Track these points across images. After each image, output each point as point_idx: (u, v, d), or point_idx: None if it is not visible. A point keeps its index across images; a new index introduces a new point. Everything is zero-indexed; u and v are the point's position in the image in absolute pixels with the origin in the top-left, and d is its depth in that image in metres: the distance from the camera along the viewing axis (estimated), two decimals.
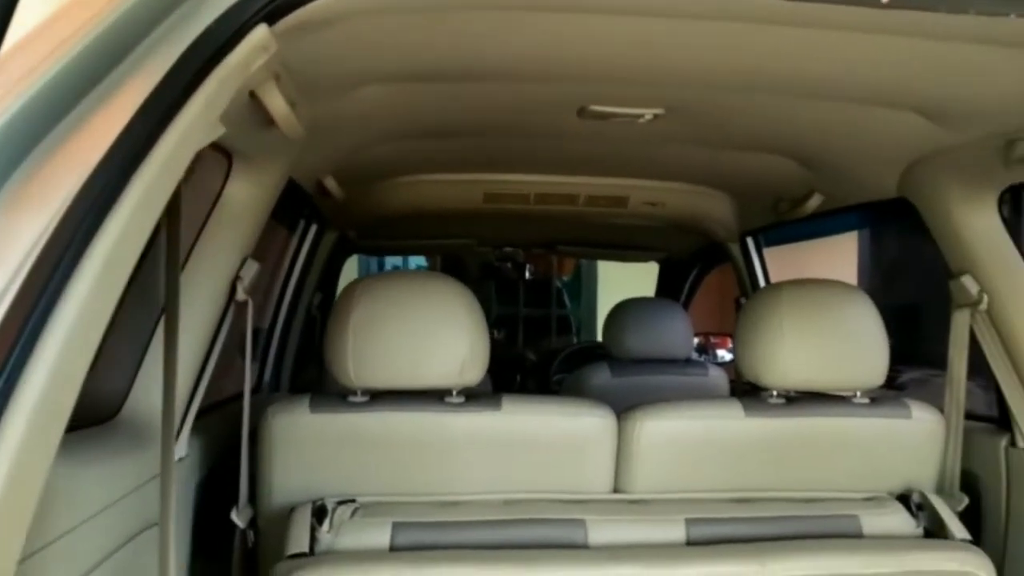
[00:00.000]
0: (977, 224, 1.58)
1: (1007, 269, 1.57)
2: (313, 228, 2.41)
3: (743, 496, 1.53)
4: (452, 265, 5.57)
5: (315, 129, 1.42)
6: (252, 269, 1.46)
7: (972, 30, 0.96)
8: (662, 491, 1.51)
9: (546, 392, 3.38)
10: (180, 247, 1.21)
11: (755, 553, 1.35)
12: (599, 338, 3.10)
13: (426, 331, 1.39)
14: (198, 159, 1.45)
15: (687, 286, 3.38)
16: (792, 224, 2.35)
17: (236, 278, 1.43)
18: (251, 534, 1.48)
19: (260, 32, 0.79)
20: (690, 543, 1.41)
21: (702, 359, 3.40)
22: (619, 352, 2.67)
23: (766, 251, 2.75)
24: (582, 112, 1.52)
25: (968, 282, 1.61)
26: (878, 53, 1.13)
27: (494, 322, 5.71)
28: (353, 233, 2.69)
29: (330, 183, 1.88)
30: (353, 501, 1.41)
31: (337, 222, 2.42)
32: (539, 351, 3.97)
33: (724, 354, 3.55)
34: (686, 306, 3.38)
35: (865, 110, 1.43)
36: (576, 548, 1.38)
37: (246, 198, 1.41)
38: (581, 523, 1.40)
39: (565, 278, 6.55)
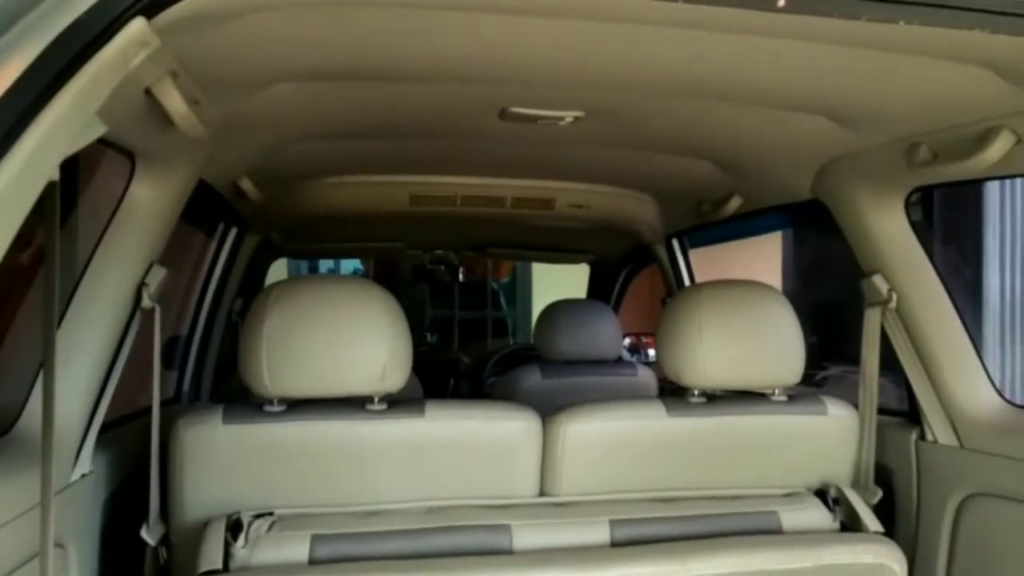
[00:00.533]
0: (886, 225, 1.64)
1: (914, 269, 1.63)
2: (233, 231, 2.33)
3: (667, 495, 1.54)
4: (385, 269, 5.51)
5: (225, 129, 1.37)
6: (159, 275, 1.40)
7: (867, 36, 0.98)
8: (588, 493, 1.51)
9: (480, 395, 3.36)
10: (80, 252, 1.15)
11: (677, 553, 1.36)
12: None
13: (344, 337, 1.36)
14: (97, 160, 1.39)
15: (617, 287, 3.41)
16: (717, 225, 2.39)
17: (142, 284, 1.37)
18: (163, 551, 1.42)
19: (137, 25, 0.75)
20: (614, 544, 1.42)
21: (634, 359, 3.44)
22: (550, 354, 2.67)
23: (694, 252, 2.80)
24: (503, 114, 1.51)
25: (878, 281, 1.66)
26: (784, 58, 1.15)
27: (428, 326, 5.67)
28: (277, 236, 2.62)
29: (246, 185, 1.82)
30: (271, 514, 1.37)
31: (258, 225, 2.35)
32: (473, 354, 3.95)
33: (655, 353, 3.60)
34: (617, 307, 3.41)
35: (777, 114, 1.46)
36: (501, 554, 1.36)
37: (151, 201, 1.35)
38: (506, 528, 1.39)
39: (504, 280, 6.55)
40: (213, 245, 2.36)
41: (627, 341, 3.41)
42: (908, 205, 1.62)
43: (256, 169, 1.79)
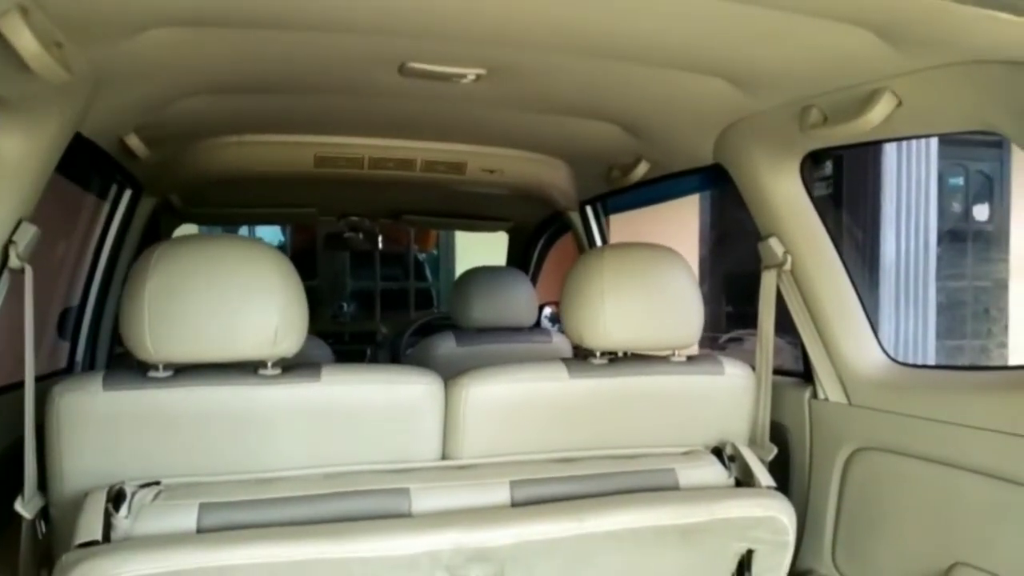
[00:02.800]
0: (782, 188, 1.67)
1: (808, 232, 1.68)
2: (127, 193, 2.22)
3: (569, 456, 1.55)
4: (304, 237, 5.35)
5: (100, 78, 1.28)
6: (28, 233, 1.31)
7: None
8: (489, 455, 1.51)
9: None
10: None
11: (573, 510, 1.37)
12: None
13: (232, 298, 1.30)
14: None
15: (535, 255, 3.41)
16: (630, 191, 2.41)
17: (8, 243, 1.28)
18: (41, 525, 1.35)
19: None
20: (514, 505, 1.42)
21: (555, 328, 3.45)
22: (465, 322, 2.66)
23: (616, 218, 2.81)
24: (402, 69, 1.46)
25: (775, 244, 1.70)
26: (680, 15, 1.15)
27: (349, 296, 5.57)
28: (177, 199, 2.50)
29: (134, 142, 1.72)
30: (158, 483, 1.32)
31: (154, 187, 2.24)
32: (392, 325, 3.90)
33: None
34: (535, 275, 3.41)
35: (677, 75, 1.47)
36: (399, 517, 1.35)
37: (17, 153, 1.25)
38: (405, 492, 1.37)
39: (431, 251, 6.47)
40: (105, 208, 2.24)
41: (548, 310, 3.42)
42: (803, 169, 1.66)
43: (144, 125, 1.69)
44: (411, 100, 1.73)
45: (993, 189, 6.38)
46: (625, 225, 3.76)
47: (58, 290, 2.40)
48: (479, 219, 3.36)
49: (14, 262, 1.28)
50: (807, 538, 1.73)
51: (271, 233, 6.29)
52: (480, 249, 4.78)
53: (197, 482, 1.33)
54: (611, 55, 1.38)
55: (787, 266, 1.69)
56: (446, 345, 2.61)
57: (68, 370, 2.18)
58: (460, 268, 6.21)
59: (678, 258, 1.63)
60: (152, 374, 1.32)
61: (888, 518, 1.57)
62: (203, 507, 1.27)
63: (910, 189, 4.92)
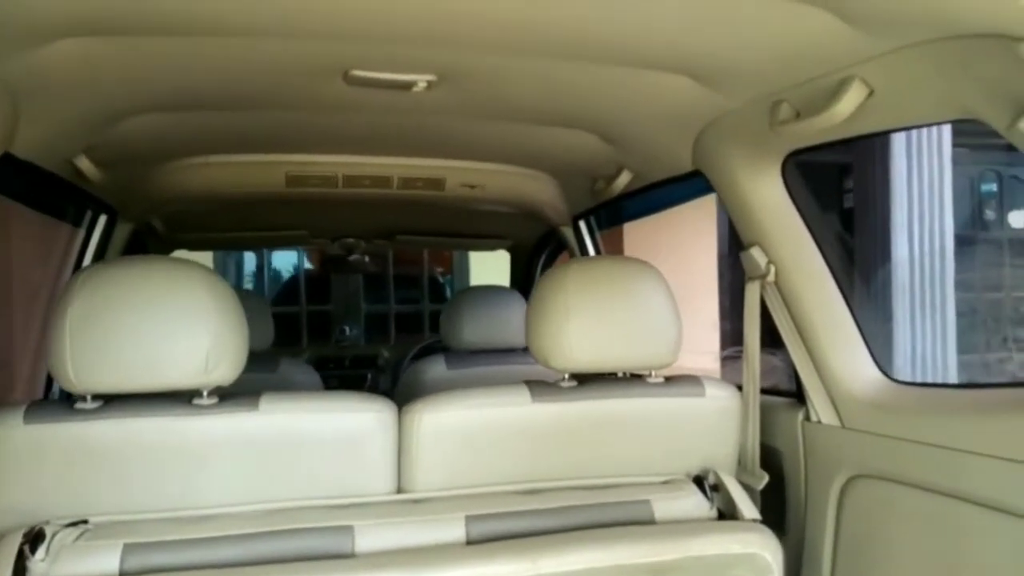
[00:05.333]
0: (762, 194, 1.55)
1: (792, 239, 1.55)
2: (102, 219, 2.18)
3: (534, 487, 1.44)
4: (319, 262, 5.31)
5: (17, 92, 1.23)
6: None
7: None
8: (447, 488, 1.41)
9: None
10: None
11: (528, 549, 1.26)
12: None
13: (158, 323, 1.23)
14: None
15: (537, 274, 3.31)
16: (623, 202, 2.30)
17: None
18: None
19: None
20: (470, 542, 1.31)
21: None
22: (456, 344, 2.57)
23: (628, 228, 2.70)
24: (347, 77, 1.39)
25: (756, 253, 1.58)
26: (631, 5, 1.06)
27: (363, 319, 5.52)
28: (160, 225, 2.46)
29: (84, 164, 1.66)
30: (85, 522, 1.24)
31: (128, 212, 2.20)
32: (395, 348, 3.83)
33: None
34: None
35: (643, 76, 1.37)
36: (341, 558, 1.25)
37: None
38: (348, 530, 1.28)
39: (443, 274, 6.41)
40: (81, 235, 2.20)
41: None
42: (785, 173, 1.54)
43: (93, 146, 1.64)
44: (375, 114, 1.66)
45: None
46: (639, 236, 3.65)
47: (36, 318, 2.37)
48: (475, 238, 3.27)
49: None
50: (804, 574, 1.58)
51: (286, 258, 6.30)
52: (493, 268, 4.69)
53: (127, 520, 1.25)
54: (565, 54, 1.29)
55: (770, 277, 1.57)
56: (436, 369, 2.52)
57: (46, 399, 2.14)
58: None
59: (651, 271, 1.52)
60: (79, 405, 1.25)
61: (886, 553, 1.42)
62: (127, 548, 1.19)
63: (922, 192, 4.71)
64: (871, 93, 1.18)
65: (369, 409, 1.37)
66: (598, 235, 2.65)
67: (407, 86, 1.42)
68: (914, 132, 4.82)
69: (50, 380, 2.19)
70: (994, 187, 6.07)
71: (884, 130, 1.27)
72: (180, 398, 1.28)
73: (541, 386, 1.46)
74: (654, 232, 3.68)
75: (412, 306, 5.83)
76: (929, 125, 1.25)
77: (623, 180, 1.98)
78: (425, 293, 5.90)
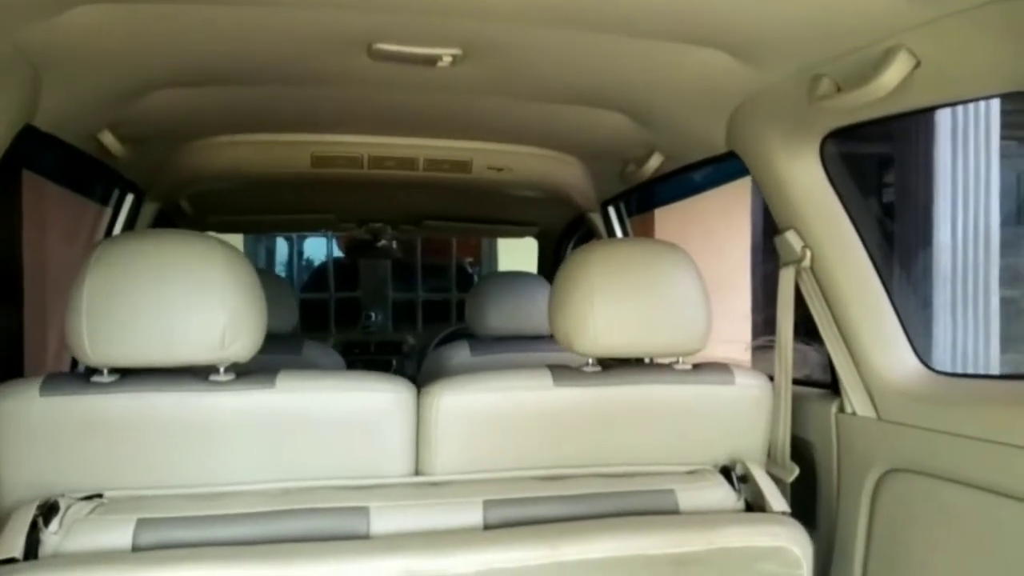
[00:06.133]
0: (799, 175, 1.49)
1: (830, 224, 1.48)
2: (128, 199, 2.18)
3: (554, 473, 1.41)
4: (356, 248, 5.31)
5: (38, 63, 1.21)
6: None
7: None
8: (465, 471, 1.37)
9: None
10: None
11: (548, 535, 1.22)
12: None
13: (174, 297, 1.21)
14: None
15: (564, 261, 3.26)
16: (654, 186, 2.24)
17: None
18: None
19: None
20: (487, 527, 1.28)
21: None
22: (481, 330, 2.53)
23: (660, 213, 2.64)
24: (371, 52, 1.36)
25: (792, 238, 1.52)
26: None
27: (390, 306, 5.52)
28: (188, 206, 2.46)
29: (108, 139, 1.65)
30: (100, 496, 1.23)
31: (154, 192, 2.19)
32: (420, 335, 3.81)
33: None
34: None
35: (676, 50, 1.31)
36: (355, 539, 1.22)
37: None
38: (363, 511, 1.25)
39: (470, 263, 6.38)
40: (108, 215, 2.21)
41: None
42: (824, 154, 1.47)
43: (118, 122, 1.63)
44: (401, 91, 1.62)
45: None
46: (670, 223, 3.58)
47: (59, 297, 2.38)
48: (503, 224, 3.23)
49: None
50: (834, 571, 1.52)
51: (318, 247, 6.31)
52: (521, 258, 4.65)
53: (138, 495, 1.24)
54: (594, 26, 1.24)
55: (806, 262, 1.50)
56: (460, 354, 2.49)
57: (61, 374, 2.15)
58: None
59: (680, 254, 1.47)
60: (95, 379, 1.24)
61: (922, 549, 1.36)
62: (140, 523, 1.18)
63: (967, 183, 4.54)
64: (917, 64, 1.11)
65: (387, 389, 1.34)
66: (628, 221, 2.59)
67: (432, 60, 1.38)
68: (959, 121, 4.66)
69: (75, 358, 2.20)
70: None
71: (931, 105, 1.20)
72: (197, 374, 1.27)
73: (564, 370, 1.42)
74: (685, 219, 3.60)
75: (440, 294, 5.82)
76: (978, 99, 1.17)
77: (654, 163, 1.92)
78: (453, 282, 5.89)
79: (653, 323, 1.41)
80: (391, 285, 5.54)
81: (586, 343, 1.40)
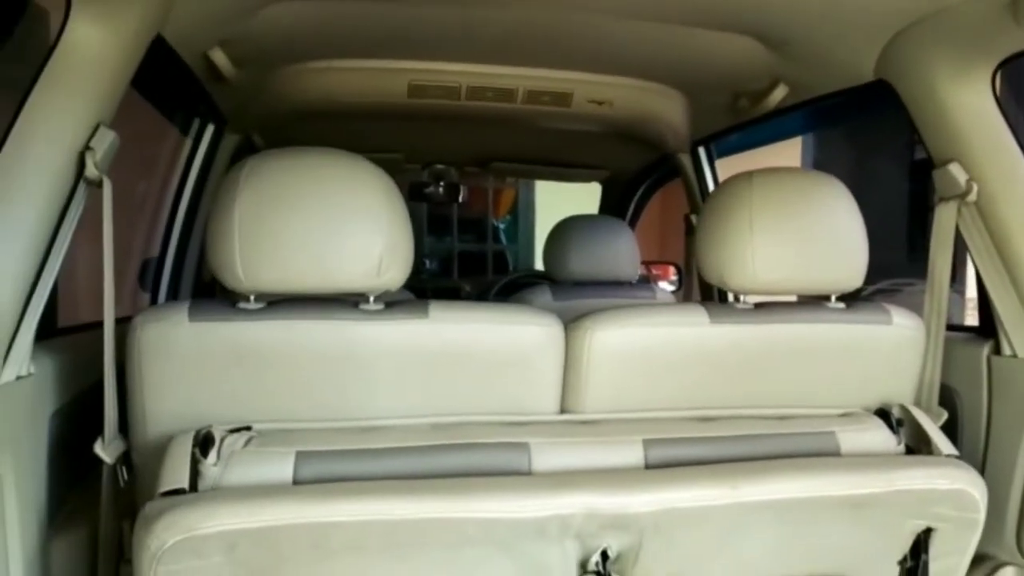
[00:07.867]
0: (967, 103, 1.39)
1: (1000, 154, 1.39)
2: (210, 129, 2.08)
3: (708, 414, 1.34)
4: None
5: None
6: (107, 139, 1.15)
7: None
8: (616, 410, 1.31)
9: None
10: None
11: (725, 475, 1.16)
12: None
13: (332, 221, 1.13)
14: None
15: (632, 207, 3.17)
16: (753, 126, 2.14)
17: (85, 149, 1.13)
18: (122, 470, 1.21)
19: None
20: (648, 467, 1.22)
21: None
22: (560, 274, 2.46)
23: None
24: None
25: (955, 170, 1.43)
26: None
27: (427, 253, 5.45)
28: (260, 140, 2.36)
29: (219, 57, 1.55)
30: (249, 428, 1.16)
31: (237, 121, 2.09)
32: (474, 283, 3.73)
33: (666, 286, 3.39)
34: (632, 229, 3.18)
35: None
36: (518, 475, 1.16)
37: (95, 49, 1.10)
38: (524, 447, 1.19)
39: (503, 219, 6.27)
40: (187, 145, 2.11)
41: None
42: (995, 77, 1.37)
43: (229, 39, 1.53)
44: (503, 11, 1.51)
45: None
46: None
47: (138, 235, 2.30)
48: (574, 167, 3.12)
49: (91, 171, 1.13)
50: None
51: None
52: (563, 210, 4.56)
53: (291, 428, 1.18)
54: None
55: (971, 196, 1.42)
56: (541, 299, 2.41)
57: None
58: (541, 231, 6.00)
59: (839, 186, 1.38)
60: (242, 305, 1.16)
61: None
62: (300, 456, 1.11)
63: None
64: None
65: (538, 323, 1.27)
66: (715, 165, 2.50)
67: None
68: None
69: (154, 299, 2.12)
70: None
71: None
72: (345, 303, 1.19)
73: (719, 307, 1.34)
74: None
75: (476, 245, 5.75)
76: None
77: (777, 95, 1.82)
78: (488, 234, 5.81)
79: (815, 258, 1.33)
80: (427, 232, 5.47)
81: (742, 278, 1.32)
